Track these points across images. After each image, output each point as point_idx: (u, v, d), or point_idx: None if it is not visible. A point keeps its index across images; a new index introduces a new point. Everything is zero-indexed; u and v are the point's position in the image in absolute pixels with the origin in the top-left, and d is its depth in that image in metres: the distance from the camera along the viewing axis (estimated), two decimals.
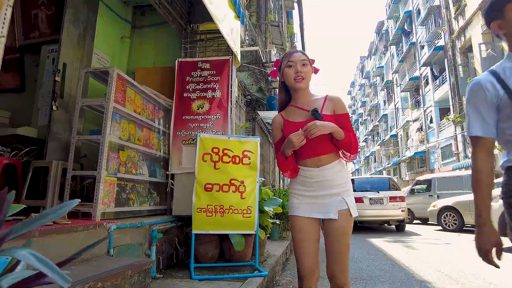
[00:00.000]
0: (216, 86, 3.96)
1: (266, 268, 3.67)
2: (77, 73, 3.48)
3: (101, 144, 2.86)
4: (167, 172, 3.89)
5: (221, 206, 3.56)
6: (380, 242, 7.38)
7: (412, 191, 13.40)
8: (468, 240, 7.52)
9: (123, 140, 3.15)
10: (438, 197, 11.95)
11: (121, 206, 3.14)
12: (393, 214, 9.21)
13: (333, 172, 1.70)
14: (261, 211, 4.05)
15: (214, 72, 4.01)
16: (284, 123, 1.78)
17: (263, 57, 10.33)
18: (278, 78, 1.84)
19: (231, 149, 3.70)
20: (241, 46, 10.28)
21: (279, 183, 15.52)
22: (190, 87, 4.03)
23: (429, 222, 13.54)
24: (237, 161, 3.70)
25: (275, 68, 1.86)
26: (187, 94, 4.01)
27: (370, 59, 48.79)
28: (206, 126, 3.89)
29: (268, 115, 9.53)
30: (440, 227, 10.24)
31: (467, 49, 19.03)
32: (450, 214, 9.69)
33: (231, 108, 3.93)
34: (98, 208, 2.76)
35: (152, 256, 3.16)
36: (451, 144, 21.31)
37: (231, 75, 4.06)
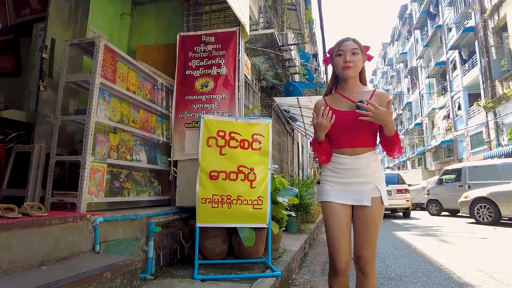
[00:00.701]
0: (222, 61, 3.51)
1: (280, 266, 3.25)
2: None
3: (86, 124, 2.49)
4: (169, 159, 3.50)
5: (229, 196, 3.15)
6: (407, 236, 6.80)
7: (440, 181, 12.59)
8: (507, 234, 6.81)
9: (113, 121, 2.77)
10: (469, 187, 11.12)
11: (114, 196, 2.78)
12: (399, 203, 11.36)
13: (366, 162, 1.70)
14: (274, 202, 3.60)
15: (220, 46, 3.56)
16: (330, 109, 1.71)
17: (279, 40, 9.78)
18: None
19: (239, 132, 3.27)
20: (256, 29, 9.79)
21: (298, 174, 15.03)
22: (193, 63, 3.60)
23: (459, 214, 12.73)
24: (246, 146, 3.26)
25: (328, 55, 1.83)
26: (190, 72, 3.58)
27: (393, 46, 46.90)
28: (211, 107, 3.46)
29: (285, 102, 9.02)
30: (472, 220, 9.49)
31: (501, 28, 17.66)
32: (485, 206, 8.92)
33: (238, 86, 3.48)
34: (83, 198, 2.40)
35: (149, 253, 2.80)
36: (481, 131, 20.03)
37: (239, 49, 3.59)
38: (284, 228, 4.21)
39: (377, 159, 1.75)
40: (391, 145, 1.68)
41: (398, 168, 43.58)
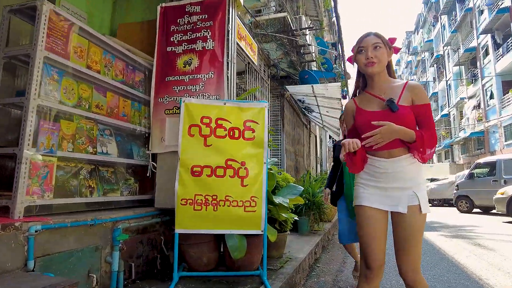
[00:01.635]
0: (208, 34, 2.93)
1: (278, 280, 2.67)
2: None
3: (25, 108, 1.98)
4: (148, 152, 2.97)
5: (214, 197, 2.59)
6: (436, 237, 6.04)
7: (471, 176, 11.55)
8: None
9: (67, 106, 2.25)
10: (505, 182, 10.10)
11: (69, 197, 2.27)
12: None
13: (404, 165, 1.61)
14: (272, 203, 3.01)
15: (206, 16, 2.97)
16: (356, 111, 1.72)
17: (293, 24, 9.07)
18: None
19: (228, 118, 2.70)
20: (267, 13, 9.12)
21: (316, 168, 14.31)
22: (176, 38, 3.04)
23: (492, 212, 11.68)
24: (236, 135, 2.68)
25: (352, 53, 1.75)
26: (172, 48, 3.03)
27: (417, 34, 44.69)
28: (195, 89, 2.89)
29: (300, 90, 8.34)
30: (510, 219, 8.53)
31: None
32: None
33: (228, 63, 2.89)
34: (18, 200, 1.90)
35: (113, 265, 2.29)
36: None
37: (231, 19, 3.00)
38: (288, 232, 3.61)
39: (416, 161, 1.61)
40: (415, 148, 1.56)
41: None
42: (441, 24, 32.66)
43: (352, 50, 1.73)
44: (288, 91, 8.15)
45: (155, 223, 2.87)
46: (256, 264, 2.85)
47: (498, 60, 20.65)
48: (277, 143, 8.13)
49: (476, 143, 24.81)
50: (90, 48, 2.46)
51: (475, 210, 11.60)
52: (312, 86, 7.76)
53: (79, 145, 2.33)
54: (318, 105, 9.25)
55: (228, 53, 2.90)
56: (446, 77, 31.41)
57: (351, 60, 1.76)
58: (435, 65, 35.02)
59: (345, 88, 22.89)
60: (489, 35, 21.66)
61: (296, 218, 3.78)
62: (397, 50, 1.71)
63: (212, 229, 2.60)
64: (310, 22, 14.31)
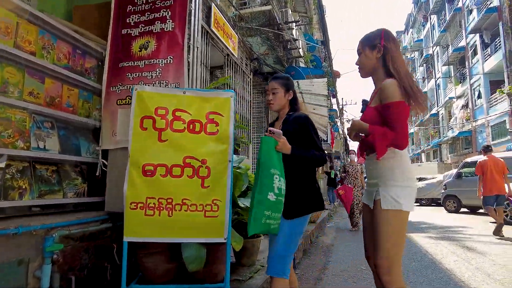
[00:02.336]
0: (168, 14, 2.58)
1: None
2: None
3: None
4: (97, 148, 2.60)
5: (169, 200, 2.25)
6: (423, 239, 5.80)
7: (459, 175, 11.41)
8: None
9: None
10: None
11: None
12: None
13: (377, 161, 1.66)
14: (238, 206, 2.67)
15: None
16: None
17: (278, 18, 8.75)
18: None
19: (187, 109, 2.36)
20: (249, 6, 8.77)
21: None
22: (132, 19, 2.68)
23: (479, 211, 11.57)
24: (197, 129, 2.35)
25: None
26: (127, 31, 2.67)
27: (407, 33, 44.88)
28: (152, 76, 2.54)
29: None
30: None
31: None
32: None
33: (189, 47, 2.54)
34: None
35: (43, 281, 1.93)
36: (504, 121, 18.55)
37: None
38: (262, 237, 3.29)
39: (389, 157, 1.63)
40: (370, 144, 1.66)
41: (412, 161, 41.99)
42: (430, 23, 32.77)
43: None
44: None
45: (105, 228, 2.51)
46: (220, 276, 2.52)
47: (486, 60, 20.70)
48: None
49: (463, 142, 24.93)
50: (19, 25, 2.09)
51: (462, 209, 11.49)
52: (297, 81, 7.45)
53: (3, 139, 1.96)
54: (304, 102, 8.94)
55: (190, 36, 2.55)
56: (435, 77, 31.54)
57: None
58: (424, 64, 35.17)
59: (332, 87, 22.75)
60: (477, 34, 21.72)
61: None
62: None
63: (166, 237, 2.26)
64: (298, 18, 14.01)
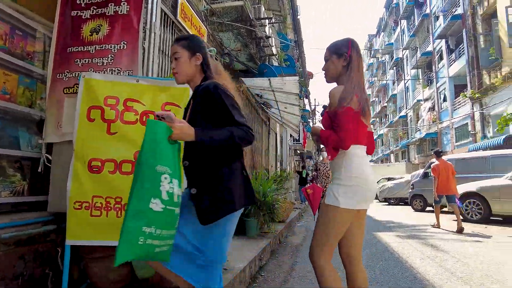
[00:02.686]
0: None
1: None
2: None
3: None
4: (40, 141, 2.34)
5: (118, 199, 2.04)
6: (391, 238, 5.84)
7: (425, 175, 11.77)
8: (502, 236, 5.94)
9: None
10: (456, 181, 10.33)
11: None
12: None
13: (333, 163, 1.79)
14: None
15: None
16: None
17: (251, 13, 8.61)
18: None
19: (140, 100, 2.15)
20: (221, 1, 8.58)
21: (276, 167, 13.99)
22: (83, 0, 2.43)
23: (444, 210, 12.00)
24: None
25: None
26: (77, 12, 2.42)
27: (379, 37, 46.21)
28: (103, 63, 2.31)
29: (256, 84, 7.90)
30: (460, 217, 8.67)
31: (491, 15, 16.93)
32: (474, 202, 8.09)
33: (145, 31, 2.33)
34: None
35: None
36: (467, 123, 19.43)
37: None
38: None
39: (339, 157, 1.73)
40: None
41: (382, 162, 43.30)
42: (400, 28, 33.86)
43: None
44: (244, 83, 7.67)
45: (47, 231, 2.26)
46: None
47: (451, 65, 21.60)
48: None
49: (430, 143, 25.91)
50: None
51: (428, 208, 11.85)
52: (269, 79, 7.34)
53: None
54: (276, 101, 8.87)
55: (146, 20, 2.34)
56: (404, 80, 32.62)
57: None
58: (394, 67, 36.29)
59: (305, 88, 22.93)
60: (443, 40, 22.63)
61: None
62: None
63: (114, 240, 2.04)
64: (272, 16, 13.94)
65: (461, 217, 8.39)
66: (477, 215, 7.98)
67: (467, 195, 8.26)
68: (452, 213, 9.60)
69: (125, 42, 2.30)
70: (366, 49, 56.68)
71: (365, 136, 1.76)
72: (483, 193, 7.84)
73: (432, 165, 7.36)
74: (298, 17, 25.63)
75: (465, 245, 5.08)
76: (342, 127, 1.64)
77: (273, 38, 12.55)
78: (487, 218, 7.82)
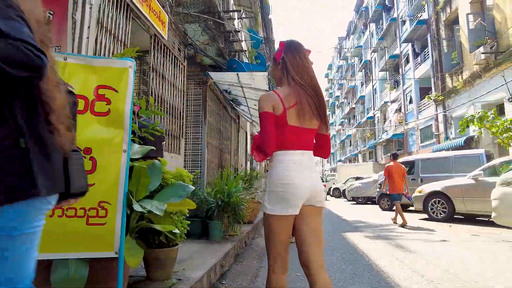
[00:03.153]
0: None
1: None
2: None
3: None
4: None
5: None
6: (359, 239, 5.71)
7: None
8: (465, 235, 5.99)
9: None
10: (422, 181, 10.56)
11: None
12: None
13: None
14: (138, 209, 2.12)
15: None
16: None
17: (219, 6, 8.25)
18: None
19: (68, 81, 1.74)
20: None
21: (245, 166, 13.70)
22: None
23: (410, 209, 12.24)
24: (80, 107, 1.76)
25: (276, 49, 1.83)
26: None
27: (349, 40, 47.23)
28: None
29: (223, 78, 7.56)
30: (425, 216, 8.80)
31: (453, 22, 17.60)
32: (439, 201, 8.21)
33: (77, 1, 1.93)
34: None
35: None
36: (431, 125, 20.13)
37: None
38: (180, 245, 2.76)
39: (270, 164, 1.74)
40: None
41: (350, 161, 44.29)
42: (369, 31, 34.71)
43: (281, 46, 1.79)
44: (211, 78, 7.30)
45: None
46: None
47: (416, 68, 22.32)
48: (198, 136, 7.25)
49: (396, 144, 26.70)
50: None
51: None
52: (237, 74, 7.02)
53: None
54: (245, 97, 8.57)
55: None
56: (372, 82, 33.45)
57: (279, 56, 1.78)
58: (363, 70, 37.17)
59: (274, 85, 22.68)
60: (409, 44, 23.35)
61: (176, 231, 2.91)
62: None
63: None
64: (242, 10, 13.63)
65: (427, 216, 8.54)
66: (441, 214, 8.10)
67: (432, 194, 8.37)
68: (418, 212, 9.77)
69: (52, 13, 1.89)
70: (336, 51, 57.82)
71: (304, 140, 1.68)
72: (448, 192, 7.97)
73: (386, 166, 8.03)
74: (270, 16, 25.55)
75: (434, 245, 5.03)
76: (262, 131, 1.66)
77: (243, 34, 12.25)
78: (451, 216, 7.96)
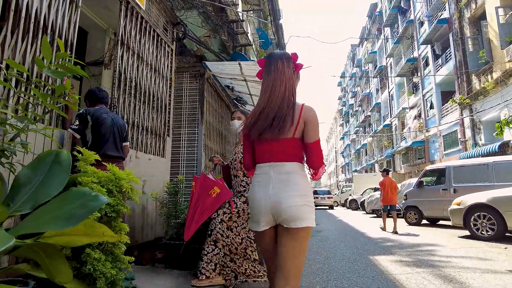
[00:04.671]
0: None
1: None
2: None
3: None
4: None
5: None
6: (394, 266, 4.41)
7: (420, 184, 10.53)
8: None
9: None
10: (455, 191, 9.16)
11: None
12: (326, 203, 24.08)
13: None
14: None
15: None
16: None
17: None
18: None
19: None
20: None
21: None
22: None
23: (439, 223, 10.76)
24: None
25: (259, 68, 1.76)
26: None
27: (362, 46, 45.97)
28: None
29: (224, 71, 6.44)
30: (465, 232, 7.39)
31: (479, 18, 16.24)
32: (484, 216, 6.80)
33: None
34: None
35: None
36: (456, 131, 18.57)
37: None
38: None
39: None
40: None
41: (366, 171, 42.45)
42: (384, 36, 33.44)
43: (260, 63, 1.76)
44: (209, 69, 6.20)
45: None
46: None
47: (437, 70, 20.89)
48: (194, 137, 6.12)
49: (416, 152, 25.05)
50: None
51: (424, 221, 10.59)
52: (239, 63, 5.90)
53: None
54: (250, 94, 7.43)
55: None
56: (388, 88, 32.00)
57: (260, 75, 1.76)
58: (378, 76, 35.76)
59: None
60: (429, 46, 21.98)
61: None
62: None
63: None
64: (250, 8, 12.66)
65: (468, 233, 7.13)
66: (489, 232, 6.68)
67: (475, 207, 6.96)
68: (452, 227, 8.35)
69: None
70: (349, 59, 56.56)
71: (270, 152, 1.57)
72: (496, 205, 6.56)
73: (380, 181, 9.27)
74: (281, 21, 24.64)
75: (502, 279, 3.68)
76: None
77: (249, 27, 11.22)
78: (502, 235, 6.53)
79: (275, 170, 1.53)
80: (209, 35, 8.02)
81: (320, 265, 4.52)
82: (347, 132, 57.21)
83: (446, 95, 20.23)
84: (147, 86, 4.07)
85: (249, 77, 6.46)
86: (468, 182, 9.02)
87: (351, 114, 55.02)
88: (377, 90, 36.91)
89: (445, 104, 19.76)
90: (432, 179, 10.70)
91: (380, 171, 10.11)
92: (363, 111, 44.63)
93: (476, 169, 9.21)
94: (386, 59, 32.16)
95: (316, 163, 1.56)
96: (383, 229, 9.01)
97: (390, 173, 27.34)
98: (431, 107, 22.19)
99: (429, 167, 11.11)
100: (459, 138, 17.91)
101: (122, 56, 3.50)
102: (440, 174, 10.15)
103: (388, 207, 9.05)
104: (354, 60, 51.09)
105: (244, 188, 3.03)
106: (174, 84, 4.87)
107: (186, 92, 6.30)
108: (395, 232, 8.35)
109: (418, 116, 24.25)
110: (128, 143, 3.18)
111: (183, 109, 6.21)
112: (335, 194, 32.26)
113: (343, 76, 60.13)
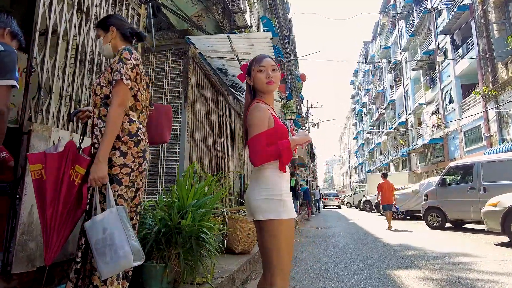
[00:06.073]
0: None
1: None
2: None
3: None
4: None
5: None
6: (421, 283, 3.34)
7: (442, 182, 9.33)
8: None
9: None
10: (485, 190, 7.98)
11: None
12: (334, 203, 30.13)
13: None
14: None
15: None
16: (272, 115, 1.70)
17: None
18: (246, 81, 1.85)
19: None
20: None
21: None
22: None
23: (465, 227, 9.52)
24: None
25: (242, 72, 1.85)
26: None
27: (375, 42, 44.40)
28: None
29: (212, 47, 5.47)
30: (505, 239, 6.23)
31: (505, 2, 14.85)
32: None
33: None
34: None
35: None
36: (479, 125, 17.13)
37: None
38: None
39: None
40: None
41: (380, 171, 40.85)
42: (398, 29, 31.97)
43: (242, 69, 1.84)
44: (194, 46, 5.24)
45: None
46: None
47: (457, 62, 19.45)
48: (176, 125, 5.17)
49: (434, 150, 23.55)
50: None
51: (448, 225, 9.37)
52: (228, 36, 4.94)
53: None
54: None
55: None
56: (403, 84, 30.52)
57: (243, 77, 1.82)
58: (392, 72, 34.26)
59: (300, 93, 20.55)
60: (448, 36, 20.55)
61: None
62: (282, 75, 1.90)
63: None
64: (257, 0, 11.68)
65: (507, 239, 5.96)
66: None
67: None
68: (492, 233, 7.15)
69: None
70: (362, 56, 54.95)
71: None
72: None
73: (378, 184, 9.85)
74: (289, 15, 23.59)
75: None
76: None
77: (247, 10, 10.23)
78: None
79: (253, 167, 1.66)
80: (201, 14, 7.09)
81: (325, 282, 3.50)
82: (360, 132, 55.54)
83: (467, 88, 18.78)
84: (95, 52, 3.13)
85: (241, 54, 5.48)
86: (501, 180, 7.83)
87: (364, 112, 53.37)
88: (391, 87, 35.39)
89: (467, 98, 18.32)
90: (457, 177, 9.48)
91: (382, 173, 10.68)
92: (377, 109, 43.06)
93: (510, 165, 8.00)
94: (401, 54, 30.67)
95: (251, 159, 1.59)
96: (389, 228, 9.26)
97: (406, 172, 25.73)
98: (451, 101, 20.72)
99: (453, 163, 9.88)
100: (483, 134, 16.47)
101: (55, 11, 2.57)
102: (466, 172, 8.94)
103: (387, 206, 9.57)
104: (367, 57, 49.51)
105: None
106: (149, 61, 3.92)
107: (168, 74, 5.37)
108: (389, 229, 9.21)
109: (436, 111, 22.77)
110: None
111: (164, 93, 5.28)
112: (348, 195, 34.60)
113: (358, 62, 58.47)
